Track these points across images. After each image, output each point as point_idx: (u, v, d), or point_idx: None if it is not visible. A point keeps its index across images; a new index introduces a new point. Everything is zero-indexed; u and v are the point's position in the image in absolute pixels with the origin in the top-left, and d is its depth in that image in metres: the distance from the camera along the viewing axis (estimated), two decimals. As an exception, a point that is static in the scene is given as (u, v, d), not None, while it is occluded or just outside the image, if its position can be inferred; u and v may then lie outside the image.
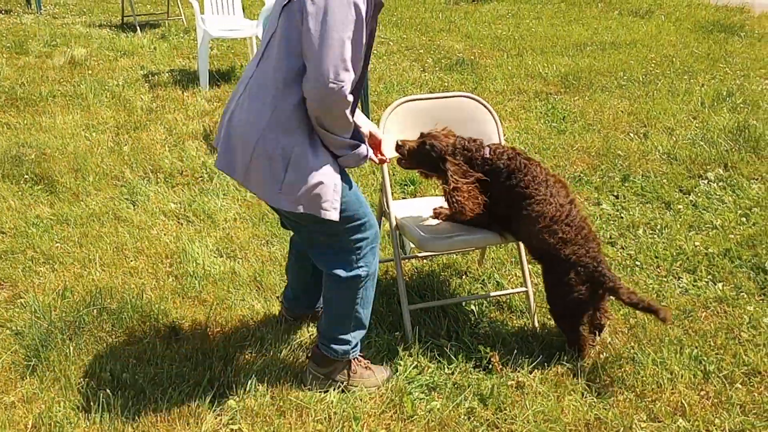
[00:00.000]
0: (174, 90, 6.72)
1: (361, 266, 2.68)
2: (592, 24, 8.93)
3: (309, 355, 2.93)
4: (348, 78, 2.30)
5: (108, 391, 2.80)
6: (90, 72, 7.35)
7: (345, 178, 2.57)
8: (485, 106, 3.43)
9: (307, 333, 3.19)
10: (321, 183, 2.43)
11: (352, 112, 2.47)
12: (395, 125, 3.30)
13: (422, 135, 3.12)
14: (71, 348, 3.04)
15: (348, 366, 2.85)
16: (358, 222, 2.62)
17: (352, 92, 2.36)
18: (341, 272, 2.66)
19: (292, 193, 2.43)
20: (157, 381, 2.86)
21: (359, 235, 2.64)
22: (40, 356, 2.99)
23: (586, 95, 6.47)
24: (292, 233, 3.07)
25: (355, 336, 2.81)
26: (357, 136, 2.54)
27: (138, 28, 9.22)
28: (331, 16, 2.25)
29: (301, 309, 3.21)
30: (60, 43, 8.52)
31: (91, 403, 2.74)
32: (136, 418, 2.68)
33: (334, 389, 2.83)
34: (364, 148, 2.55)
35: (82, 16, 10.25)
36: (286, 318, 3.24)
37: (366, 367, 2.89)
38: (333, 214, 2.47)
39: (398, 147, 3.10)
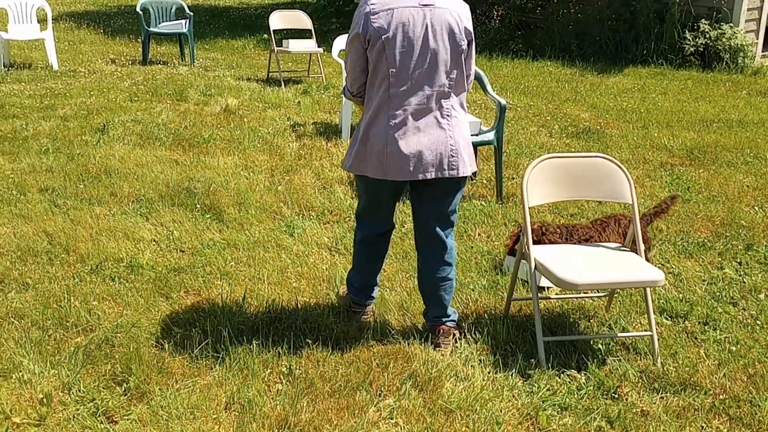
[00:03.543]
0: (318, 140, 7.39)
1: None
2: (719, 102, 9.15)
3: (440, 334, 3.67)
4: None
5: (287, 381, 3.32)
6: (243, 120, 8.15)
7: None
8: (620, 168, 3.82)
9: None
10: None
11: None
12: (539, 176, 3.75)
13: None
14: (254, 345, 3.58)
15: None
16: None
17: None
18: (453, 254, 3.64)
19: (473, 160, 3.55)
20: (325, 378, 3.35)
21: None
22: (228, 350, 3.55)
23: (711, 169, 6.71)
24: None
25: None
26: None
27: (282, 83, 10.09)
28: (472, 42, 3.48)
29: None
30: (215, 93, 9.41)
31: (272, 389, 3.26)
32: (311, 405, 3.18)
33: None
34: None
35: (230, 70, 11.22)
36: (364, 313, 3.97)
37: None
38: (474, 167, 3.57)
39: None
